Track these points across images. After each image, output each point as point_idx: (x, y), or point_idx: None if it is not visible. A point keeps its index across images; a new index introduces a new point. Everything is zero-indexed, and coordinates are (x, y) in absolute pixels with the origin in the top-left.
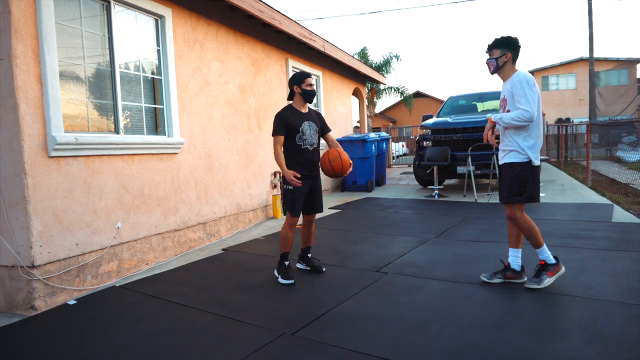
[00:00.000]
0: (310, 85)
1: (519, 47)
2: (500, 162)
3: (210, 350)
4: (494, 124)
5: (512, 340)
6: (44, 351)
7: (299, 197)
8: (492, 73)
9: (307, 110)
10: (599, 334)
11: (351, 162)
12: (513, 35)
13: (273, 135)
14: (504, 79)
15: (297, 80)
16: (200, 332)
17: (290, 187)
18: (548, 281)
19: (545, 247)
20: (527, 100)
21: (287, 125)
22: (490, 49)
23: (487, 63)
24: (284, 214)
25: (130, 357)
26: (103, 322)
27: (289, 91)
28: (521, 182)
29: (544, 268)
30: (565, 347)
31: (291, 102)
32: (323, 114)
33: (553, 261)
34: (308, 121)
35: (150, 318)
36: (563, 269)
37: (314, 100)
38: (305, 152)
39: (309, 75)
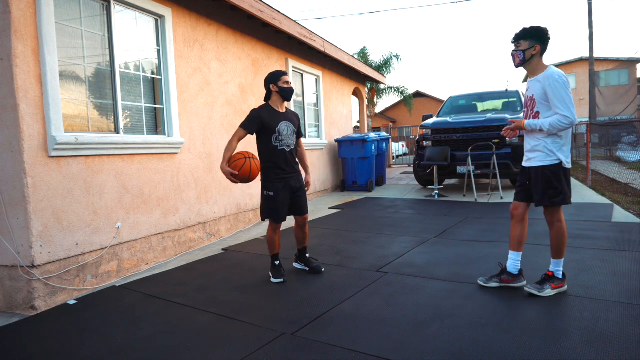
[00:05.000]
0: (287, 82)
1: (549, 39)
2: (527, 164)
3: (210, 350)
4: (519, 125)
5: (513, 340)
6: (44, 351)
7: (281, 203)
8: (517, 66)
9: (284, 110)
10: (599, 334)
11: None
12: (543, 26)
13: (239, 126)
14: (531, 73)
15: (273, 78)
16: (200, 332)
17: (270, 193)
18: (549, 292)
19: (563, 260)
20: (567, 105)
21: (262, 124)
22: (517, 39)
23: (513, 55)
24: (262, 220)
25: (130, 357)
26: (103, 322)
27: (265, 92)
28: (555, 185)
29: (549, 279)
30: (566, 347)
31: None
32: (323, 114)
33: (560, 276)
34: (286, 121)
35: (150, 318)
36: (566, 287)
37: (314, 100)
38: (282, 153)
39: (284, 72)
